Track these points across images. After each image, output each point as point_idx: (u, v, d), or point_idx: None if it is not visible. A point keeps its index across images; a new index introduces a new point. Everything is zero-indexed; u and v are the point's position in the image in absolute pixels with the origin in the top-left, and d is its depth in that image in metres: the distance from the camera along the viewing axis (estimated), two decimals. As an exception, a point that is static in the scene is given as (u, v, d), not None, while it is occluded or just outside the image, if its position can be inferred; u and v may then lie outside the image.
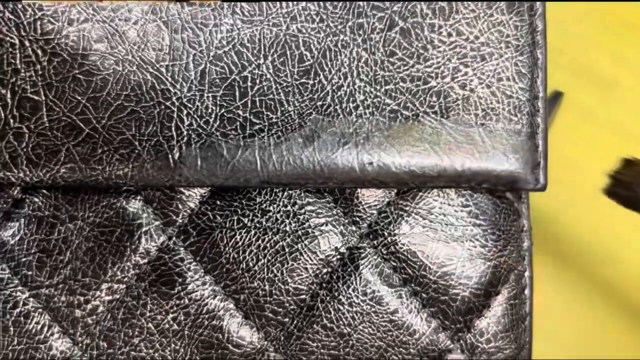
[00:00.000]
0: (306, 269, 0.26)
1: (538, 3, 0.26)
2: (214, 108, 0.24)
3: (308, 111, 0.25)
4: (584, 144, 0.38)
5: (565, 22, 0.38)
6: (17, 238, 0.25)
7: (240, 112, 0.25)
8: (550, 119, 0.36)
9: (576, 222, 0.37)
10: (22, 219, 0.25)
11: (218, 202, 0.26)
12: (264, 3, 0.25)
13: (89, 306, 0.26)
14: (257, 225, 0.26)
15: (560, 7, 0.39)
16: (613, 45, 0.38)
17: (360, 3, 0.25)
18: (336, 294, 0.26)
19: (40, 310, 0.26)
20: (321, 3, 0.25)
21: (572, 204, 0.37)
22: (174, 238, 0.26)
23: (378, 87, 0.25)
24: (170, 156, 0.24)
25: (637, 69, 0.38)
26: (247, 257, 0.26)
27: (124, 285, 0.26)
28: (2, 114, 0.24)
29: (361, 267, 0.26)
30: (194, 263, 0.26)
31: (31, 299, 0.25)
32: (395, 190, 0.27)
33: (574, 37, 0.38)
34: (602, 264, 0.37)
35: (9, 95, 0.24)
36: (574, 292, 0.38)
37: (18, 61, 0.24)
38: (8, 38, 0.24)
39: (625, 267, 0.38)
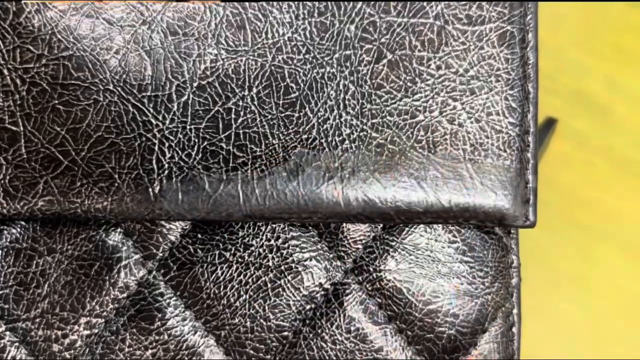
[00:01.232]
0: (289, 305, 0.26)
1: (530, 34, 0.25)
2: (196, 140, 0.24)
3: (293, 144, 0.24)
4: (577, 171, 0.38)
5: (560, 48, 0.38)
6: (-6, 270, 0.25)
7: (224, 145, 0.24)
8: (544, 145, 0.36)
9: (569, 250, 0.37)
10: (-1, 251, 0.25)
11: (199, 236, 0.26)
12: (249, 33, 0.24)
13: (67, 340, 0.25)
14: (239, 259, 0.26)
15: (555, 34, 0.38)
16: (607, 72, 0.38)
17: (348, 34, 0.24)
18: (319, 331, 0.26)
19: (17, 344, 0.25)
20: (308, 34, 0.24)
21: (564, 231, 0.37)
22: (154, 272, 0.25)
23: (365, 121, 0.24)
24: (150, 190, 0.24)
25: (631, 96, 0.38)
26: (229, 293, 0.25)
27: (103, 320, 0.25)
28: (-21, 145, 0.23)
29: (345, 304, 0.26)
30: (174, 298, 0.25)
31: (8, 333, 0.25)
32: (382, 225, 0.26)
33: (569, 63, 0.38)
34: (595, 292, 0.37)
35: (-14, 126, 0.23)
36: (565, 322, 0.38)
37: (-4, 90, 0.24)
38: (-13, 66, 0.23)
39: (620, 296, 0.37)
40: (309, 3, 0.24)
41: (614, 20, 0.39)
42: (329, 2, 0.24)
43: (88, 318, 0.25)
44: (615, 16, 0.39)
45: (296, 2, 0.24)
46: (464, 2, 0.25)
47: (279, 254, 0.26)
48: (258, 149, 0.24)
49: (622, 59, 0.38)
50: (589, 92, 0.38)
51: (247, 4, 0.24)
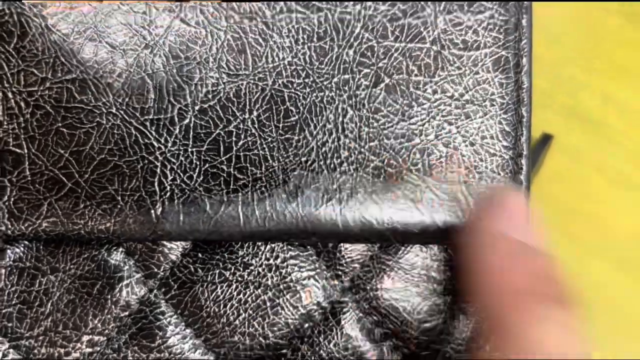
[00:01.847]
0: (287, 323, 0.26)
1: (525, 59, 0.26)
2: (197, 163, 0.24)
3: (292, 167, 0.25)
4: (572, 185, 0.38)
5: (555, 64, 0.39)
6: (-2, 289, 0.25)
7: (225, 167, 0.25)
8: (539, 161, 0.36)
9: (563, 264, 0.37)
10: (3, 270, 0.25)
11: (200, 255, 0.26)
12: (249, 57, 0.25)
13: (70, 358, 0.26)
14: (239, 279, 0.26)
15: (550, 50, 0.39)
16: (603, 88, 0.39)
17: (347, 59, 0.25)
18: (317, 348, 0.26)
19: (20, 360, 0.25)
20: (307, 58, 0.25)
21: (559, 245, 0.37)
22: (155, 291, 0.26)
23: (362, 144, 0.25)
24: (152, 211, 0.24)
25: (626, 111, 0.38)
26: (228, 311, 0.26)
27: (105, 338, 0.26)
28: (-16, 168, 0.24)
29: (343, 322, 0.26)
30: (175, 316, 0.26)
31: (11, 350, 0.25)
32: (378, 245, 0.27)
33: (564, 79, 0.39)
34: (589, 305, 0.37)
35: (-9, 148, 0.24)
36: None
37: (1, 113, 0.24)
38: (-8, 89, 0.24)
39: (614, 310, 0.38)
40: (308, 28, 0.25)
41: (609, 36, 0.39)
42: (328, 27, 0.25)
43: (90, 336, 0.26)
44: (610, 32, 0.39)
45: (296, 27, 0.25)
46: (460, 28, 0.25)
47: (277, 273, 0.26)
48: (258, 171, 0.25)
49: (616, 74, 0.39)
50: (584, 107, 0.39)
51: (247, 28, 0.25)
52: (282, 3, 0.25)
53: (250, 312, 0.26)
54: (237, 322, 0.26)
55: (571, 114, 0.38)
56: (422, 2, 0.25)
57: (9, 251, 0.25)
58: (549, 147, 0.37)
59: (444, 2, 0.25)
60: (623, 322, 0.38)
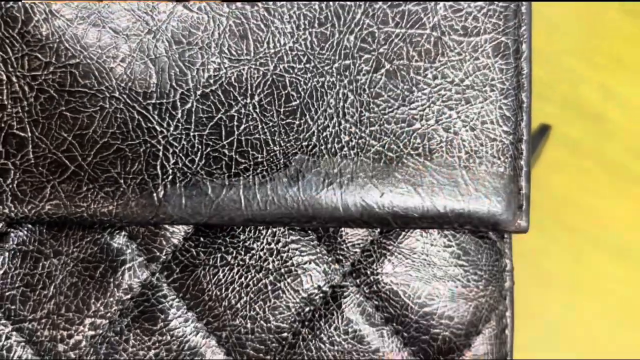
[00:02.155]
0: (288, 307, 0.26)
1: (524, 45, 0.26)
2: (199, 147, 0.25)
3: (293, 151, 0.25)
4: (570, 176, 0.38)
5: (555, 56, 0.39)
6: (1, 272, 0.25)
7: (226, 151, 0.25)
8: (538, 152, 0.37)
9: (561, 254, 0.38)
10: (7, 253, 0.26)
11: (201, 239, 0.26)
12: (251, 42, 0.25)
13: (72, 341, 0.26)
14: (240, 262, 0.26)
15: (550, 42, 0.39)
16: (601, 80, 0.39)
17: (347, 44, 0.25)
18: (318, 332, 0.26)
19: (23, 344, 0.26)
20: (308, 44, 0.25)
21: (557, 236, 0.38)
22: (157, 274, 0.26)
23: (363, 128, 0.25)
24: (154, 194, 0.24)
25: (625, 103, 0.39)
26: (230, 295, 0.26)
27: (107, 321, 0.26)
28: (-12, 150, 0.24)
29: (343, 306, 0.27)
30: (177, 299, 0.26)
31: (14, 333, 0.26)
32: (379, 229, 0.27)
33: (564, 71, 0.39)
34: (587, 295, 0.38)
35: (-5, 131, 0.24)
36: (557, 324, 0.39)
37: (5, 97, 0.24)
38: (-4, 74, 0.24)
39: (611, 300, 0.38)
40: (309, 14, 0.25)
41: (609, 29, 0.40)
42: (329, 13, 0.25)
43: (93, 319, 0.26)
44: (609, 24, 0.40)
45: (297, 13, 0.25)
46: (460, 14, 0.25)
47: (279, 257, 0.26)
48: (259, 156, 0.25)
49: (616, 66, 0.39)
50: (583, 99, 0.39)
51: (249, 13, 0.25)
52: (283, -11, 0.25)
53: (252, 295, 0.26)
54: (238, 305, 0.26)
55: (570, 106, 0.39)
56: (423, -12, 0.25)
57: (12, 234, 0.26)
58: (547, 138, 0.37)
59: (444, -12, 0.25)
60: (621, 313, 0.38)
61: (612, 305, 0.38)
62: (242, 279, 0.26)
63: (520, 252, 0.35)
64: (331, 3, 0.25)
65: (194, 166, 0.25)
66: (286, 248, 0.27)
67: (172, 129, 0.25)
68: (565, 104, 0.39)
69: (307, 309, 0.27)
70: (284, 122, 0.25)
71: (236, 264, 0.26)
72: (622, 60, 0.39)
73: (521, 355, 0.34)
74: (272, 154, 0.25)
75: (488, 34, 0.26)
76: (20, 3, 0.24)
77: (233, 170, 0.25)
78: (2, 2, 0.24)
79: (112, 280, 0.26)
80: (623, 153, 0.38)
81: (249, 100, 0.25)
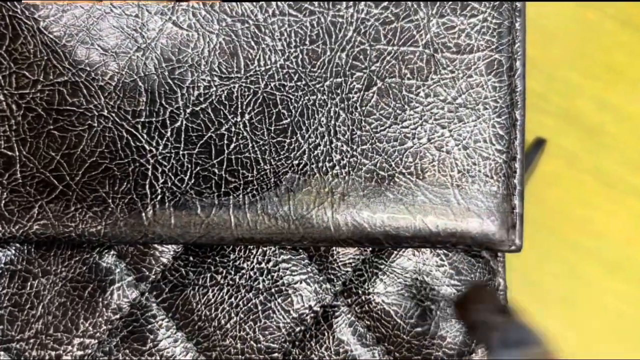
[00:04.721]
0: (279, 327, 0.26)
1: (518, 62, 0.26)
2: (189, 166, 0.24)
3: (284, 170, 0.25)
4: (566, 188, 0.38)
5: (551, 68, 0.38)
6: (-11, 292, 0.25)
7: (216, 170, 0.24)
8: (533, 165, 0.36)
9: (556, 267, 0.37)
10: (-6, 273, 0.25)
11: (191, 258, 0.26)
12: (242, 60, 0.25)
13: (60, 361, 0.25)
14: (230, 282, 0.26)
15: (545, 53, 0.39)
16: (597, 92, 0.38)
17: (339, 62, 0.25)
18: (309, 352, 0.26)
19: (11, 363, 0.25)
20: (299, 61, 0.25)
21: (552, 248, 0.37)
22: (146, 294, 0.26)
23: (355, 147, 0.25)
24: (143, 214, 0.24)
25: (620, 115, 0.38)
26: (220, 315, 0.26)
27: (96, 341, 0.26)
28: (-25, 170, 0.24)
29: (335, 326, 0.26)
30: (166, 319, 0.26)
31: (2, 353, 0.25)
32: (371, 249, 0.27)
33: (559, 83, 0.38)
34: (581, 309, 0.37)
35: (-18, 150, 0.24)
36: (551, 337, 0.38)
37: (-7, 115, 0.24)
38: (-17, 92, 0.24)
39: (605, 313, 0.38)
40: (300, 31, 0.25)
41: (604, 40, 0.39)
42: (320, 30, 0.25)
43: (81, 339, 0.25)
44: (605, 36, 0.39)
45: (288, 30, 0.25)
46: (453, 31, 0.25)
47: (269, 277, 0.26)
48: (250, 174, 0.25)
49: (611, 78, 0.39)
50: (579, 111, 0.39)
51: (239, 31, 0.25)
52: (274, 6, 0.25)
53: (242, 315, 0.26)
54: (228, 325, 0.26)
55: (566, 118, 0.38)
56: (415, 6, 0.25)
57: (0, 254, 0.25)
58: (542, 151, 0.37)
59: (436, 6, 0.25)
60: (616, 327, 0.38)
61: (607, 320, 0.38)
62: (232, 298, 0.26)
63: (514, 266, 0.35)
64: (323, 20, 0.25)
65: (184, 185, 0.24)
66: (277, 267, 0.26)
67: (161, 147, 0.24)
68: (560, 115, 0.38)
69: (297, 329, 0.26)
70: (274, 140, 0.25)
71: (226, 284, 0.26)
72: (618, 71, 0.39)
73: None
74: (262, 173, 0.25)
75: (481, 51, 0.25)
76: (7, 20, 0.24)
77: (223, 190, 0.24)
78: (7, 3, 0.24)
79: (100, 300, 0.26)
80: (619, 165, 0.38)
81: (239, 119, 0.25)
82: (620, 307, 0.38)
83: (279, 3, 0.25)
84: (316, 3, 0.25)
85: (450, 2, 0.25)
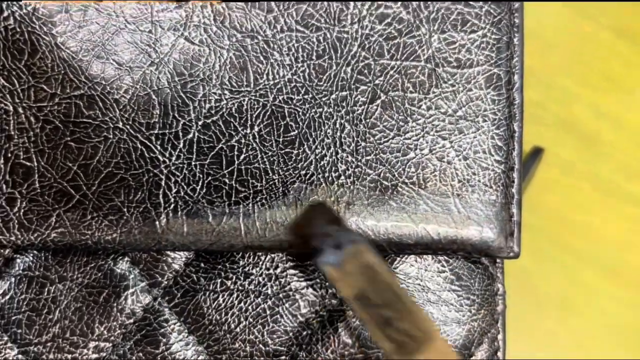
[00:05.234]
0: (286, 330, 0.27)
1: (516, 76, 0.27)
2: (200, 176, 0.25)
3: (292, 180, 0.26)
4: (563, 195, 0.39)
5: (548, 77, 0.40)
6: (8, 297, 0.26)
7: (227, 180, 0.26)
8: (530, 174, 0.37)
9: (554, 272, 0.38)
10: (13, 278, 0.26)
11: (202, 265, 0.27)
12: (251, 74, 0.26)
13: (76, 363, 0.26)
14: (240, 287, 0.27)
15: (543, 62, 0.40)
16: (595, 100, 0.40)
17: (344, 76, 0.26)
18: (315, 355, 0.27)
19: (29, 366, 0.26)
20: (306, 76, 0.26)
21: (550, 254, 0.38)
22: (159, 299, 0.27)
23: (359, 158, 0.26)
24: (157, 222, 0.25)
25: (617, 123, 0.39)
26: (230, 319, 0.27)
27: (110, 344, 0.27)
28: (-4, 180, 0.25)
29: (340, 330, 0.27)
30: (178, 324, 0.27)
31: (20, 356, 0.26)
32: (375, 255, 0.28)
33: (557, 91, 0.39)
34: (579, 314, 0.38)
35: (2, 161, 0.25)
36: (550, 343, 0.39)
37: (12, 128, 0.25)
38: (2, 105, 0.25)
39: (603, 318, 0.39)
40: (307, 46, 0.26)
41: (602, 50, 0.40)
42: (326, 46, 0.26)
43: (97, 342, 0.26)
44: (602, 45, 0.40)
45: (296, 45, 0.26)
46: (453, 46, 0.26)
47: (277, 282, 0.27)
48: (259, 184, 0.26)
49: (608, 87, 0.40)
50: (576, 119, 0.40)
51: (249, 46, 0.26)
52: (282, 22, 0.26)
53: (251, 320, 0.27)
54: (238, 329, 0.27)
55: (563, 126, 0.39)
56: (417, 22, 0.26)
57: (18, 260, 0.26)
58: (539, 160, 0.38)
59: (438, 22, 0.26)
60: (614, 332, 0.39)
61: (605, 324, 0.39)
62: (242, 303, 0.27)
63: (513, 273, 0.36)
64: (329, 36, 0.26)
65: (196, 195, 0.25)
66: (284, 273, 0.27)
67: (174, 158, 0.25)
68: (558, 124, 0.39)
69: (304, 332, 0.27)
70: (282, 151, 0.26)
71: (236, 289, 0.27)
72: (615, 80, 0.40)
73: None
74: (271, 183, 0.26)
75: (481, 65, 0.26)
76: (26, 35, 0.25)
77: (233, 199, 0.25)
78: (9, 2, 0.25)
79: (115, 304, 0.27)
80: (615, 173, 0.39)
81: (249, 131, 0.26)
82: (618, 311, 0.39)
83: (286, 19, 0.26)
84: (322, 19, 0.26)
85: (451, 19, 0.26)
